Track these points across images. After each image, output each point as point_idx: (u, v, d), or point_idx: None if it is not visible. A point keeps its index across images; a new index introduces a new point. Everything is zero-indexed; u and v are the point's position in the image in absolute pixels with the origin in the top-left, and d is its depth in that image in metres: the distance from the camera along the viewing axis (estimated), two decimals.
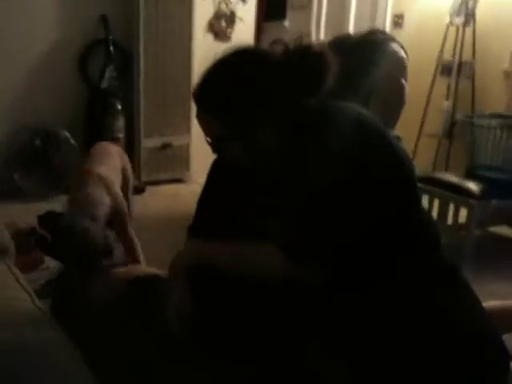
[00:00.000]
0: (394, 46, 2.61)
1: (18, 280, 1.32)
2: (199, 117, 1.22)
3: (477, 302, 1.21)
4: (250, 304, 1.22)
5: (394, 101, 2.60)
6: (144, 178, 4.19)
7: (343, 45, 2.49)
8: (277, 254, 1.13)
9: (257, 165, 1.23)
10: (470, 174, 3.12)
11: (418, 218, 1.22)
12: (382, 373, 1.11)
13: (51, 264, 2.41)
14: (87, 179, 2.14)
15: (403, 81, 2.54)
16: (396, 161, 1.17)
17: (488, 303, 1.26)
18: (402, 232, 1.17)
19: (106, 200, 2.07)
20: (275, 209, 1.20)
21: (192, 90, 1.23)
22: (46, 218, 2.57)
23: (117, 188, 2.21)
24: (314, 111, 1.19)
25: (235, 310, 1.24)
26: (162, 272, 1.53)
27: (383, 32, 2.86)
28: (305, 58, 1.18)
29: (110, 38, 3.99)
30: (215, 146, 1.24)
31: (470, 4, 4.08)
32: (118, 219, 2.18)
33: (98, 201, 2.02)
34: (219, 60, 1.20)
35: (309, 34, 1.37)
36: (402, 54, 2.59)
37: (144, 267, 1.76)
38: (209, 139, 1.23)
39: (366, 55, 2.54)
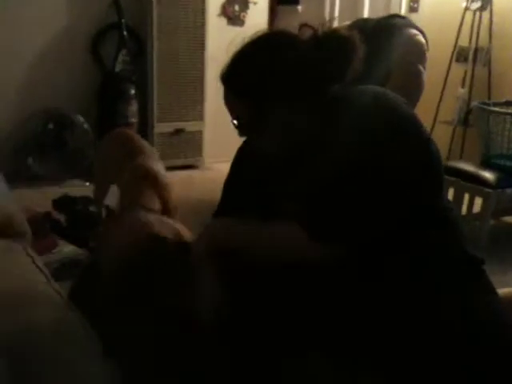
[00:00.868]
0: (413, 31, 2.57)
1: (34, 262, 1.33)
2: (226, 99, 1.22)
3: (497, 299, 1.20)
4: (271, 290, 1.22)
5: (410, 86, 2.57)
6: None
7: (361, 28, 2.47)
8: (300, 233, 1.13)
9: (282, 148, 1.23)
10: (486, 163, 3.09)
11: (443, 205, 1.21)
12: (396, 361, 1.11)
13: (65, 248, 2.42)
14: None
15: (420, 67, 2.51)
16: (421, 144, 1.16)
17: (500, 290, 1.25)
18: (424, 217, 1.16)
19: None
20: (299, 191, 1.20)
21: (220, 72, 1.22)
22: (62, 202, 2.60)
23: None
24: (338, 96, 1.19)
25: (260, 298, 1.23)
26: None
27: (402, 16, 2.83)
28: (333, 42, 1.17)
29: (123, 21, 3.97)
30: (240, 129, 1.23)
31: None
32: None
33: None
34: (248, 42, 1.19)
35: (333, 19, 1.36)
36: (421, 39, 2.56)
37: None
38: (235, 122, 1.23)
39: (383, 39, 2.52)
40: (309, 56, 1.16)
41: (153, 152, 2.18)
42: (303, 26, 1.24)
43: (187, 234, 1.52)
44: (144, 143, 2.21)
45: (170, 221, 1.59)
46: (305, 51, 1.17)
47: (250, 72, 1.18)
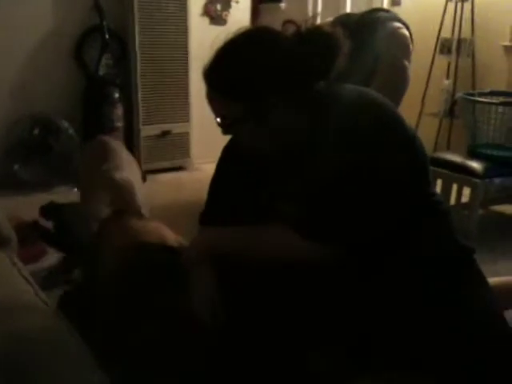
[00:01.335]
0: (396, 24, 2.56)
1: (20, 271, 1.31)
2: (209, 97, 1.20)
3: (488, 288, 1.21)
4: (270, 291, 1.21)
5: (395, 80, 2.56)
6: (144, 166, 4.16)
7: (344, 24, 2.46)
8: (293, 235, 1.12)
9: (267, 146, 1.22)
10: (473, 153, 3.10)
11: (431, 198, 1.21)
12: (393, 354, 1.10)
13: (54, 256, 2.40)
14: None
15: (405, 61, 2.50)
16: (408, 141, 1.16)
17: (490, 279, 1.26)
18: (416, 212, 1.16)
19: None
20: (288, 189, 1.19)
21: (203, 70, 1.21)
22: (49, 209, 2.57)
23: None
24: (324, 93, 1.18)
25: (255, 300, 1.23)
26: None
27: (386, 10, 2.82)
28: (317, 39, 1.16)
29: (105, 24, 3.94)
30: (225, 127, 1.22)
31: None
32: None
33: None
34: (230, 39, 1.18)
35: (316, 16, 1.35)
36: (405, 32, 2.55)
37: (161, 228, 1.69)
38: (218, 120, 1.21)
39: (366, 34, 2.51)
40: (292, 52, 1.15)
41: (125, 159, 2.19)
42: (286, 22, 1.23)
43: (173, 238, 1.53)
44: (117, 149, 2.21)
45: (155, 225, 1.61)
46: (288, 47, 1.16)
47: (233, 69, 1.17)
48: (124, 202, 1.87)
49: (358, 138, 1.10)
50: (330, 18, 2.68)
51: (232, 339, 1.21)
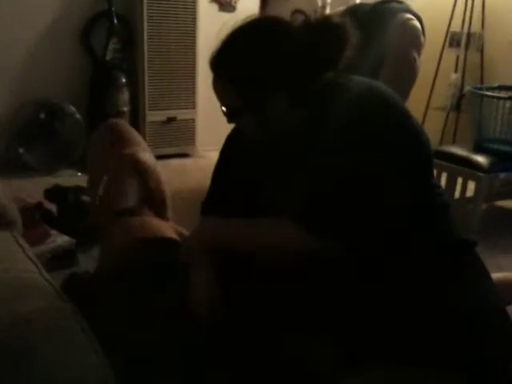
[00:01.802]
0: (407, 16, 2.54)
1: (25, 252, 1.31)
2: (215, 84, 1.20)
3: (489, 282, 1.20)
4: (269, 288, 1.21)
5: (403, 72, 2.55)
6: None
7: (355, 14, 2.44)
8: (293, 227, 1.12)
9: (271, 136, 1.21)
10: (478, 147, 3.09)
11: (433, 191, 1.21)
12: (390, 353, 1.11)
13: (58, 238, 2.41)
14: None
15: (414, 52, 2.48)
16: (414, 137, 1.16)
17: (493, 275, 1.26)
18: (417, 208, 1.16)
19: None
20: (289, 181, 1.19)
21: (210, 57, 1.21)
22: (53, 192, 2.58)
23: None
24: (331, 85, 1.17)
25: (256, 295, 1.23)
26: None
27: (399, 1, 2.78)
28: (325, 29, 1.16)
29: (113, 9, 3.93)
30: (230, 116, 1.22)
31: None
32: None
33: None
34: (238, 28, 1.18)
35: (325, 5, 1.35)
36: (415, 23, 2.52)
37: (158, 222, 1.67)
38: (224, 108, 1.21)
39: (376, 24, 2.49)
40: (300, 42, 1.15)
41: (142, 142, 2.16)
42: (296, 11, 1.23)
43: (172, 231, 1.53)
44: (134, 133, 2.19)
45: (160, 223, 1.61)
46: (297, 37, 1.15)
47: (239, 57, 1.17)
48: (154, 184, 1.85)
49: (363, 132, 1.09)
50: (342, 8, 2.66)
51: (230, 335, 1.21)
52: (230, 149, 1.39)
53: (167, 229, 1.56)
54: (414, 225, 1.15)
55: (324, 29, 1.16)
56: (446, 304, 1.11)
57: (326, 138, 1.12)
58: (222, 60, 1.18)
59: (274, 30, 1.18)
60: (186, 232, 1.56)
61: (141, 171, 1.85)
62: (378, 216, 1.10)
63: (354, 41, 1.15)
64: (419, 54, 2.56)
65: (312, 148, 1.15)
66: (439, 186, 1.25)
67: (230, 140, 1.40)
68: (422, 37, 2.55)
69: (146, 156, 1.98)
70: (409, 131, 1.15)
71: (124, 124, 2.27)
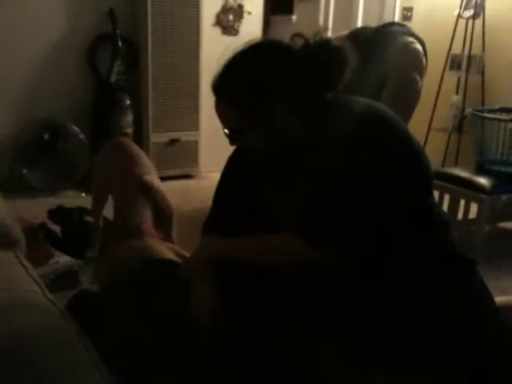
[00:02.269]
0: (409, 39, 2.56)
1: (28, 272, 1.32)
2: (217, 107, 1.23)
3: (490, 298, 1.21)
4: (270, 296, 1.22)
5: (404, 94, 2.56)
6: None
7: (357, 37, 2.47)
8: (294, 241, 1.13)
9: (274, 155, 1.23)
10: (481, 169, 3.10)
11: (433, 210, 1.22)
12: (390, 359, 1.11)
13: (61, 259, 2.41)
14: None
15: (416, 75, 2.49)
16: (414, 158, 1.17)
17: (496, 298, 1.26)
18: (415, 221, 1.17)
19: None
20: (290, 198, 1.20)
21: (212, 82, 1.23)
22: (57, 213, 2.59)
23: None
24: (330, 105, 1.19)
25: (260, 304, 1.23)
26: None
27: (402, 24, 2.81)
28: (325, 52, 1.18)
29: (118, 31, 3.98)
30: (232, 137, 1.24)
31: None
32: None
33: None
34: (240, 51, 1.20)
35: (327, 29, 1.36)
36: (417, 47, 2.54)
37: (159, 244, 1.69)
38: (226, 131, 1.23)
39: (377, 46, 2.51)
40: (300, 65, 1.17)
41: (149, 162, 2.18)
42: (295, 35, 1.25)
43: (172, 253, 1.55)
44: (140, 153, 2.21)
45: (161, 246, 1.62)
46: (297, 59, 1.18)
47: (240, 81, 1.19)
48: (163, 204, 1.86)
49: (362, 150, 1.11)
50: (345, 32, 2.68)
51: (232, 342, 1.22)
52: (231, 170, 1.41)
53: (168, 252, 1.58)
54: (411, 237, 1.16)
55: (323, 51, 1.18)
56: (447, 309, 1.12)
57: (326, 153, 1.14)
58: (223, 84, 1.21)
59: (274, 53, 1.20)
60: (187, 254, 1.57)
61: (149, 192, 1.87)
62: (375, 230, 1.12)
63: (353, 64, 1.17)
64: (421, 77, 2.57)
65: (313, 163, 1.17)
66: (439, 206, 1.27)
67: (231, 161, 1.42)
68: (423, 59, 2.57)
69: (153, 177, 2.00)
70: (408, 153, 1.17)
71: (128, 142, 2.28)
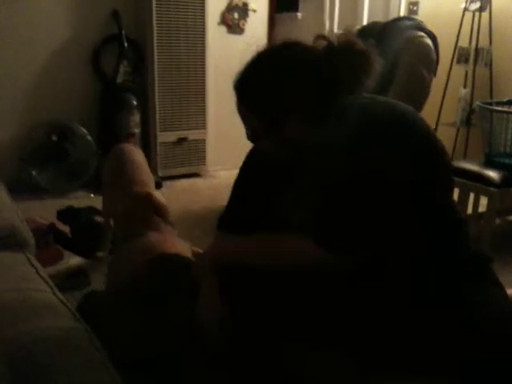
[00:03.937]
0: (417, 33, 2.52)
1: (38, 272, 1.32)
2: (238, 107, 1.23)
3: (505, 295, 1.20)
4: (273, 296, 1.21)
5: (411, 90, 2.54)
6: (160, 173, 4.20)
7: (368, 32, 2.46)
8: (309, 244, 1.12)
9: (292, 157, 1.23)
10: (490, 162, 3.08)
11: (451, 207, 1.21)
12: (396, 363, 1.10)
13: (71, 259, 2.42)
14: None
15: (423, 69, 2.46)
16: (438, 160, 1.16)
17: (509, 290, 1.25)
18: (436, 218, 1.16)
19: None
20: (307, 202, 1.19)
21: (234, 81, 1.23)
22: (66, 213, 2.60)
23: None
24: (355, 105, 1.17)
25: (268, 306, 1.23)
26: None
27: (411, 18, 2.77)
28: (349, 56, 1.16)
29: (123, 32, 3.99)
30: (252, 136, 1.24)
31: None
32: None
33: None
34: (262, 53, 1.20)
35: (351, 30, 1.32)
36: (426, 41, 2.51)
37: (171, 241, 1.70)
38: (247, 130, 1.24)
39: (385, 41, 2.49)
40: (321, 69, 1.16)
41: (149, 173, 2.20)
42: (319, 37, 1.23)
43: (185, 250, 1.55)
44: (143, 164, 2.22)
45: (169, 241, 1.63)
46: (317, 63, 1.16)
47: (260, 86, 1.19)
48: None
49: (383, 151, 1.09)
50: (358, 27, 2.66)
51: (235, 344, 1.21)
52: (251, 165, 1.40)
53: (182, 248, 1.58)
54: (427, 237, 1.15)
55: (347, 55, 1.17)
56: (463, 310, 1.10)
57: (344, 155, 1.12)
58: (243, 86, 1.21)
59: (295, 56, 1.19)
60: (200, 251, 1.57)
61: (151, 206, 1.89)
62: (391, 233, 1.10)
63: (378, 68, 1.16)
64: (429, 71, 2.53)
65: (331, 166, 1.15)
66: (456, 206, 1.25)
67: (251, 157, 1.41)
68: (432, 54, 2.53)
69: (151, 188, 2.03)
70: (430, 152, 1.15)
71: (126, 152, 2.28)
